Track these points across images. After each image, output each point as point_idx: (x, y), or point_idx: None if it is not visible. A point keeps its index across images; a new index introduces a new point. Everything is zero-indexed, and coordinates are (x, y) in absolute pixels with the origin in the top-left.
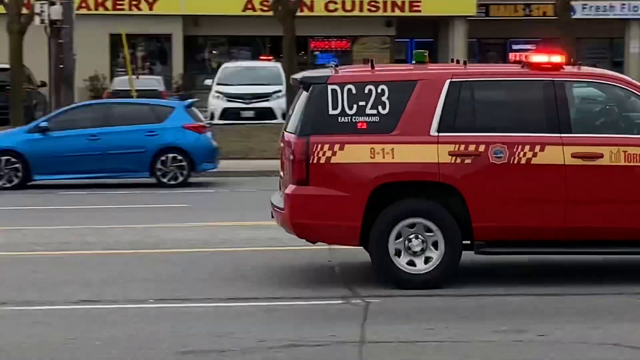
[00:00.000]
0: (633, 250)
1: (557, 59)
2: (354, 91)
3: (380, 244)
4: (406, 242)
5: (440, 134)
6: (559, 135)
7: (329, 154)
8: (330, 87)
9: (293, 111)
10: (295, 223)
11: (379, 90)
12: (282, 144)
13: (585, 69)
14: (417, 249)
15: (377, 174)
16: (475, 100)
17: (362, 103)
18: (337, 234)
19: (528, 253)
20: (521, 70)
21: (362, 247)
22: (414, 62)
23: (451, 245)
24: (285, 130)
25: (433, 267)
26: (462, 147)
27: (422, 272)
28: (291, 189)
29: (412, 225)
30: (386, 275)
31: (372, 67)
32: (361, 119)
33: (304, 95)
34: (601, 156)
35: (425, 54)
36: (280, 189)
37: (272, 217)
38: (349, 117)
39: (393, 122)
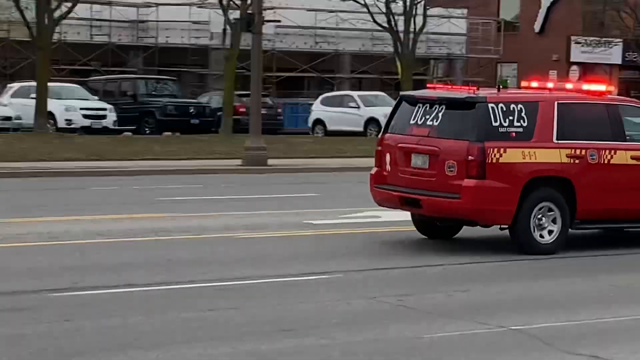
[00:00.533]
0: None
1: (606, 87)
2: (504, 109)
3: (526, 221)
4: (537, 220)
5: (559, 142)
6: (621, 142)
7: (497, 155)
8: (490, 105)
9: (438, 120)
10: (475, 209)
11: (519, 109)
12: (383, 146)
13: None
14: (545, 224)
15: (528, 170)
16: (572, 117)
17: (511, 117)
18: (498, 216)
19: (609, 229)
20: (589, 95)
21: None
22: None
23: (564, 222)
24: (430, 136)
25: (554, 238)
26: (573, 151)
27: (548, 242)
28: (471, 182)
29: (541, 208)
30: (528, 245)
31: (499, 90)
32: (512, 129)
33: (468, 111)
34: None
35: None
36: (373, 182)
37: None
38: (505, 128)
39: (531, 132)
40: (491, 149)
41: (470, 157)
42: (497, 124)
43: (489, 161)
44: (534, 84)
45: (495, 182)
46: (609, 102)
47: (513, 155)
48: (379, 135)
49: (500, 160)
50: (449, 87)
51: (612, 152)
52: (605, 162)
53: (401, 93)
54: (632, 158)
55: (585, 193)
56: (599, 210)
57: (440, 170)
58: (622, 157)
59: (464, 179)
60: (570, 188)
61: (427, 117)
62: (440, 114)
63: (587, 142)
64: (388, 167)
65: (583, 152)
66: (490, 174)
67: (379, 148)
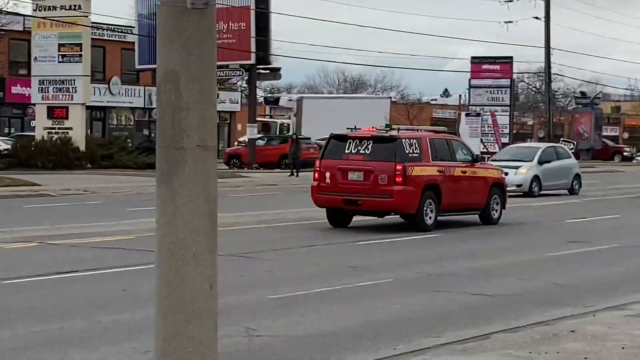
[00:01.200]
0: (469, 213)
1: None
2: (408, 142)
3: (422, 211)
4: (426, 210)
5: (433, 162)
6: (455, 162)
7: (411, 170)
8: (403, 140)
9: (369, 150)
10: (401, 205)
11: (414, 142)
12: (322, 167)
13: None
14: (429, 213)
15: (423, 180)
16: (435, 146)
17: (411, 147)
18: (411, 208)
19: (455, 214)
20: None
21: None
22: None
23: (437, 211)
24: (364, 160)
25: (432, 221)
26: (440, 167)
27: (430, 223)
28: (399, 188)
29: (428, 202)
30: (422, 225)
31: (387, 131)
32: (413, 155)
33: (390, 144)
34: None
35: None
36: (316, 191)
37: None
38: (410, 154)
39: (420, 156)
40: (408, 167)
41: (397, 172)
42: (407, 151)
43: (407, 174)
44: (404, 126)
45: (410, 187)
46: (446, 138)
47: (417, 170)
48: (318, 161)
49: (412, 174)
50: (369, 129)
51: (454, 168)
52: (452, 174)
53: (331, 133)
54: (461, 172)
55: (445, 194)
56: (451, 204)
57: (374, 181)
58: (457, 171)
59: (394, 186)
60: (438, 191)
61: (359, 148)
62: (370, 146)
63: (444, 162)
64: (328, 181)
65: (443, 168)
66: (408, 182)
67: (319, 169)
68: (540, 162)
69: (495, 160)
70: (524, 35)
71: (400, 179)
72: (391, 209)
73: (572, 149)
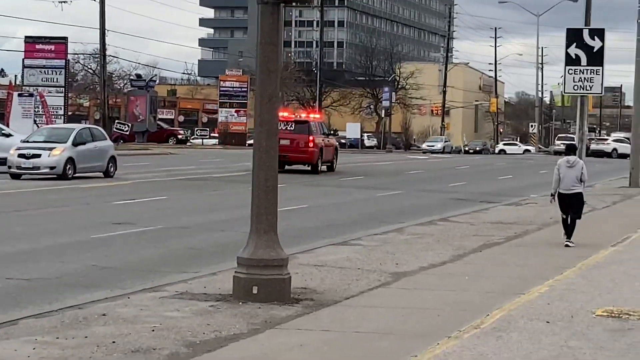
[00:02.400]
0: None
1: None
2: (314, 123)
3: (318, 163)
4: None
5: (323, 135)
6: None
7: (315, 140)
8: (311, 122)
9: (293, 127)
10: (312, 158)
11: (318, 124)
12: None
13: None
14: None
15: (317, 146)
16: (316, 126)
17: (314, 127)
18: (316, 161)
19: None
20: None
21: None
22: None
23: None
24: (289, 132)
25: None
26: (323, 137)
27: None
28: (310, 149)
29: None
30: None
31: None
32: (317, 131)
33: (304, 124)
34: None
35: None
36: None
37: None
38: (314, 131)
39: (317, 131)
40: (314, 137)
41: (310, 140)
42: (314, 130)
43: (313, 141)
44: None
45: (314, 149)
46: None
47: (317, 140)
48: None
49: (315, 142)
50: (292, 111)
51: (323, 138)
52: (324, 142)
53: None
54: (327, 140)
55: (324, 154)
56: (323, 160)
57: (297, 146)
58: (325, 141)
59: (308, 148)
60: (322, 152)
61: (287, 126)
62: (293, 125)
63: (321, 136)
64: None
65: (322, 139)
66: (314, 146)
67: None
68: (75, 144)
69: (27, 141)
70: (81, 16)
71: (312, 144)
72: (306, 161)
73: (126, 131)
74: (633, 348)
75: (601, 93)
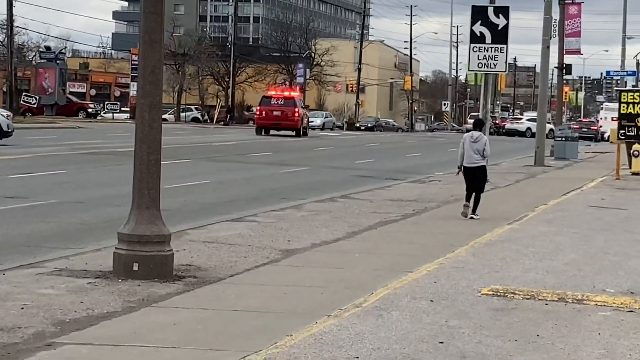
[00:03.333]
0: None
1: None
2: (299, 99)
3: (301, 128)
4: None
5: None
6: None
7: (300, 111)
8: (296, 98)
9: (283, 102)
10: (297, 126)
11: (300, 99)
12: (260, 112)
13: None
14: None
15: (303, 115)
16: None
17: (300, 102)
18: (300, 127)
19: None
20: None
21: None
22: None
23: None
24: (281, 106)
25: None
26: (300, 108)
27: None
28: (296, 118)
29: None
30: (302, 134)
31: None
32: (300, 106)
33: (291, 99)
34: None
35: None
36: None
37: None
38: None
39: (299, 104)
40: (299, 109)
41: (296, 111)
42: (298, 104)
43: (298, 112)
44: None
45: (299, 118)
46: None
47: (300, 111)
48: (258, 106)
49: (299, 112)
50: (282, 89)
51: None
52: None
53: (263, 95)
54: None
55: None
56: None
57: (286, 116)
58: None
59: (295, 117)
60: (303, 120)
61: (278, 102)
62: (283, 100)
63: (303, 109)
64: (264, 114)
65: (302, 110)
66: (299, 116)
67: (260, 111)
68: None
69: None
70: None
71: (297, 114)
72: (292, 127)
73: (34, 103)
74: (513, 327)
75: (505, 71)
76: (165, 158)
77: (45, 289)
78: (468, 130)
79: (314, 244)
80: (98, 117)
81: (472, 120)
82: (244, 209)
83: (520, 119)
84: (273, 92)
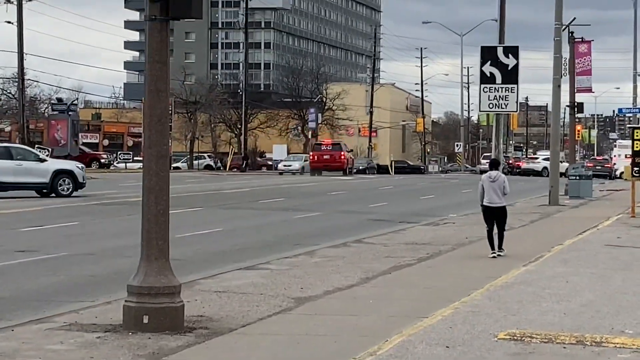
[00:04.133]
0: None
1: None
2: (345, 146)
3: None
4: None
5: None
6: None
7: (346, 155)
8: (342, 144)
9: (330, 148)
10: (344, 167)
11: (343, 145)
12: (314, 154)
13: None
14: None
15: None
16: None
17: (343, 147)
18: (345, 169)
19: None
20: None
21: None
22: None
23: None
24: (329, 151)
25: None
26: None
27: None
28: (343, 161)
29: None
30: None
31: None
32: (347, 150)
33: (337, 145)
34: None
35: None
36: (312, 162)
37: None
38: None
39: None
40: (344, 153)
41: (342, 155)
42: (343, 148)
43: (344, 155)
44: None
45: (345, 160)
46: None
47: (346, 155)
48: (311, 152)
49: (345, 156)
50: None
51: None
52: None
53: (314, 143)
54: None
55: (348, 162)
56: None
57: (334, 159)
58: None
59: (341, 160)
60: (348, 162)
61: (327, 148)
62: (331, 146)
63: (348, 152)
64: (316, 158)
65: (347, 154)
66: (344, 159)
67: (313, 155)
68: None
69: None
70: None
71: (344, 157)
72: (339, 169)
73: (47, 154)
74: None
75: (516, 110)
76: (176, 207)
77: (54, 345)
78: (482, 171)
79: (327, 291)
80: (111, 167)
81: (485, 161)
82: (257, 257)
83: (537, 158)
84: (323, 141)
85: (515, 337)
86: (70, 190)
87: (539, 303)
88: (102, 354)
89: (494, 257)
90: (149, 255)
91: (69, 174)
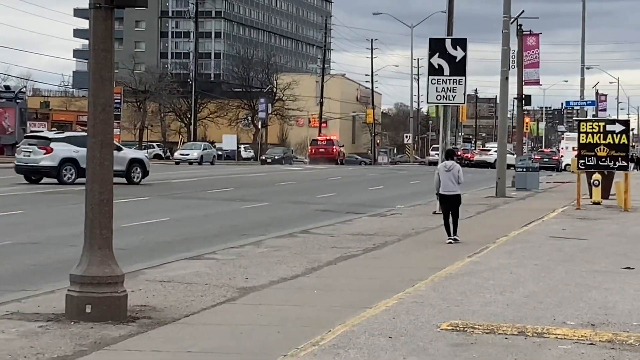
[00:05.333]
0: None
1: None
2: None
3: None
4: None
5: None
6: None
7: (337, 148)
8: (334, 140)
9: (325, 143)
10: (336, 158)
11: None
12: (312, 148)
13: None
14: None
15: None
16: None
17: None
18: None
19: None
20: None
21: None
22: None
23: None
24: (324, 145)
25: None
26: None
27: None
28: (336, 151)
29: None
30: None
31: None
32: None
33: (330, 141)
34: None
35: None
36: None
37: None
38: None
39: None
40: (336, 147)
41: (334, 149)
42: (335, 144)
43: (336, 149)
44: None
45: (336, 153)
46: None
47: (338, 149)
48: (309, 146)
49: (337, 150)
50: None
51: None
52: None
53: (312, 139)
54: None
55: (339, 155)
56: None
57: (328, 152)
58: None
59: (334, 153)
60: (339, 154)
61: (322, 143)
62: (325, 142)
63: (340, 146)
64: (313, 151)
65: (339, 147)
66: (337, 152)
67: (311, 149)
68: None
69: None
70: None
71: (335, 151)
72: (332, 159)
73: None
74: None
75: (464, 103)
76: (123, 196)
77: None
78: (430, 163)
79: (273, 281)
80: None
81: (434, 152)
82: (203, 247)
83: (489, 150)
84: (319, 137)
85: (457, 328)
86: (139, 177)
87: (483, 294)
88: (44, 343)
89: (450, 242)
90: (92, 244)
91: (140, 162)
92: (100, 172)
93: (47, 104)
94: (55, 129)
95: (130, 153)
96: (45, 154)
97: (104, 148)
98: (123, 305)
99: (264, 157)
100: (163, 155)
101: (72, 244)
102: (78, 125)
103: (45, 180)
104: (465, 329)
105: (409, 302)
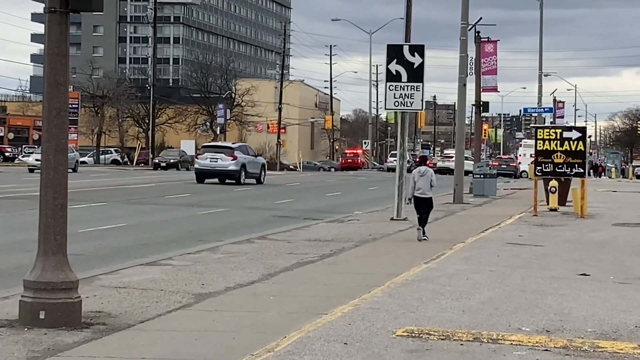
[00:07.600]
0: None
1: None
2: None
3: None
4: None
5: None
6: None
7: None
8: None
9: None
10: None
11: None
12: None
13: None
14: None
15: None
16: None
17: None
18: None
19: None
20: None
21: None
22: None
23: None
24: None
25: None
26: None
27: None
28: (360, 161)
29: None
30: None
31: None
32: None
33: (357, 152)
34: None
35: None
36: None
37: None
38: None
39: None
40: (361, 159)
41: (359, 160)
42: (360, 155)
43: (361, 160)
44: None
45: (361, 163)
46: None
47: (363, 159)
48: (340, 158)
49: (362, 160)
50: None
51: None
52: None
53: (343, 152)
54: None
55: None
56: None
57: (354, 162)
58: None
59: (359, 163)
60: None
61: (350, 155)
62: (353, 154)
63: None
64: (343, 161)
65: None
66: (361, 162)
67: (341, 160)
68: None
69: None
70: None
71: (360, 161)
72: (358, 168)
73: None
74: None
75: (421, 109)
76: (80, 201)
77: None
78: (389, 169)
79: (229, 287)
80: (16, 161)
81: (392, 159)
82: (160, 252)
83: (452, 157)
84: (348, 151)
85: (413, 334)
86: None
87: (439, 300)
88: None
89: (425, 240)
90: (46, 250)
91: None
92: (55, 178)
93: (4, 109)
94: (12, 133)
95: (259, 159)
96: (232, 160)
97: (58, 153)
98: (77, 311)
99: (157, 161)
100: (121, 161)
101: (28, 250)
102: (35, 130)
103: (7, 185)
104: (421, 335)
105: (365, 308)
